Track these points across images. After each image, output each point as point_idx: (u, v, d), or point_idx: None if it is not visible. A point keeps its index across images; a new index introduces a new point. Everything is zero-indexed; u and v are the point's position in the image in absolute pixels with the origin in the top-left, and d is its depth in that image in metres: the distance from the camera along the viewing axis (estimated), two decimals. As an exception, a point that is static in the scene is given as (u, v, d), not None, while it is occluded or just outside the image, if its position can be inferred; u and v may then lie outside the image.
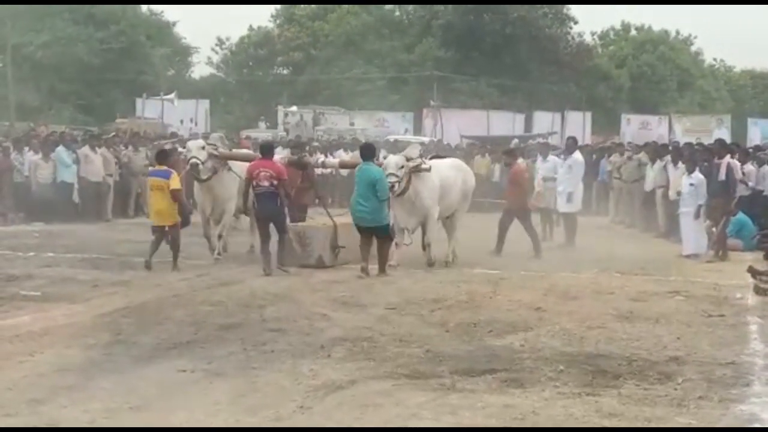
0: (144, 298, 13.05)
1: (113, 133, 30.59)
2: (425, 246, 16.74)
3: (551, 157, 22.15)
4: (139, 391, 8.58)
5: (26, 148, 25.11)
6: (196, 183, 17.57)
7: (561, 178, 20.61)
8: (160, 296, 13.35)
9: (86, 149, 25.51)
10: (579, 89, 59.91)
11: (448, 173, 17.30)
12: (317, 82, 60.51)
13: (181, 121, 45.15)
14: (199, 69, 71.38)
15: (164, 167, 16.46)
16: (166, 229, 16.27)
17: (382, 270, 15.53)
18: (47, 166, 24.39)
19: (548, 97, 55.39)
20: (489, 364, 9.53)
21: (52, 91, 55.21)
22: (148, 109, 47.69)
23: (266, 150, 16.87)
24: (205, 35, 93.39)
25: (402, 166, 16.08)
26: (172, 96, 47.89)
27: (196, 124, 46.75)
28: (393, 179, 15.82)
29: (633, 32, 74.98)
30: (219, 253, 17.24)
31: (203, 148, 17.15)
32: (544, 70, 59.51)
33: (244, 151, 19.55)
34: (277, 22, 70.24)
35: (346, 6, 66.89)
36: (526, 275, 15.55)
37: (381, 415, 8.00)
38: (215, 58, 70.09)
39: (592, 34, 73.27)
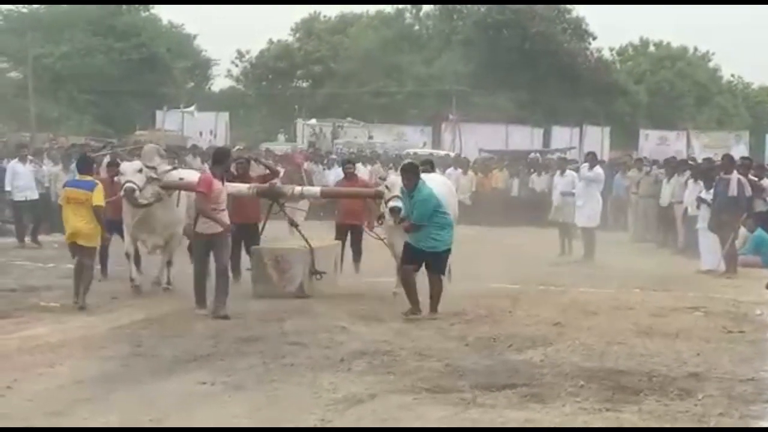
0: (163, 311, 13.07)
1: (132, 146, 30.66)
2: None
3: (569, 172, 22.17)
4: (159, 404, 8.58)
5: (46, 159, 25.18)
6: (128, 206, 14.83)
7: (580, 193, 20.59)
8: (179, 309, 13.37)
9: (106, 161, 25.50)
10: (597, 104, 59.81)
11: (443, 191, 14.89)
12: (336, 95, 60.61)
13: (201, 133, 45.29)
14: (219, 81, 71.64)
15: (88, 177, 13.97)
16: (84, 248, 13.66)
17: (435, 308, 13.31)
18: (66, 178, 24.41)
19: (567, 112, 55.31)
20: (509, 378, 9.52)
21: (72, 103, 55.42)
22: (168, 121, 47.86)
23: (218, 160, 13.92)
24: (225, 48, 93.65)
25: None
26: (192, 108, 48.06)
27: (215, 136, 46.89)
28: (398, 203, 13.60)
29: (651, 48, 74.87)
30: (169, 283, 15.18)
31: (140, 171, 14.56)
32: (563, 85, 59.43)
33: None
34: (297, 35, 70.40)
35: (365, 20, 67.04)
36: (545, 290, 15.52)
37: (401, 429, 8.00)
38: (235, 71, 70.36)
39: (611, 49, 73.19)
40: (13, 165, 22.19)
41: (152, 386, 9.22)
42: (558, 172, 23.07)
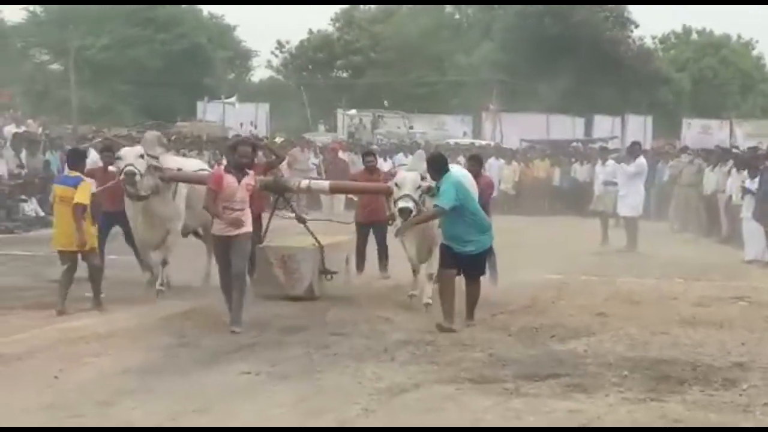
0: (206, 302, 13.12)
1: (174, 136, 30.81)
2: (429, 278, 13.01)
3: (610, 162, 22.08)
4: (203, 394, 8.65)
5: (91, 150, 25.32)
6: (127, 199, 13.73)
7: (623, 182, 20.49)
8: (222, 300, 13.41)
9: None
10: (640, 93, 59.42)
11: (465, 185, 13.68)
12: (377, 85, 60.61)
13: (241, 124, 45.38)
14: (259, 72, 71.85)
15: (75, 173, 12.63)
16: (80, 255, 12.50)
17: (471, 316, 12.05)
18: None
19: (608, 101, 54.99)
20: (552, 368, 9.51)
21: (114, 94, 55.78)
22: (209, 112, 48.08)
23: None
24: (265, 38, 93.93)
25: (419, 186, 12.42)
26: (233, 99, 48.24)
27: (256, 127, 47.00)
28: (409, 204, 12.17)
29: (694, 36, 74.25)
30: (162, 284, 13.70)
31: (141, 156, 13.41)
32: (605, 73, 59.08)
33: (197, 171, 14.62)
34: (337, 25, 70.43)
35: (406, 9, 66.92)
36: (588, 280, 15.46)
37: (445, 419, 8.02)
38: (275, 62, 70.53)
39: (653, 37, 72.69)
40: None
41: (196, 376, 9.29)
42: (599, 162, 22.98)
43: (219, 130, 41.64)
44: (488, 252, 12.37)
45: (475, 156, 15.89)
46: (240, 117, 47.53)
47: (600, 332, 11.32)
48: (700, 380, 9.19)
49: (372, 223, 15.43)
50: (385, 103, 52.21)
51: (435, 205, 11.87)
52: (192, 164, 15.22)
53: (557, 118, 50.55)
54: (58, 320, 11.78)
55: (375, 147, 35.21)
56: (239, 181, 11.56)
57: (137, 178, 13.18)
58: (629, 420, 7.95)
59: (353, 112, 51.13)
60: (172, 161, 14.34)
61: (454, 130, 49.72)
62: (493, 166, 31.71)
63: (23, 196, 22.75)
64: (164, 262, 13.89)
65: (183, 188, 13.96)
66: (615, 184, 20.98)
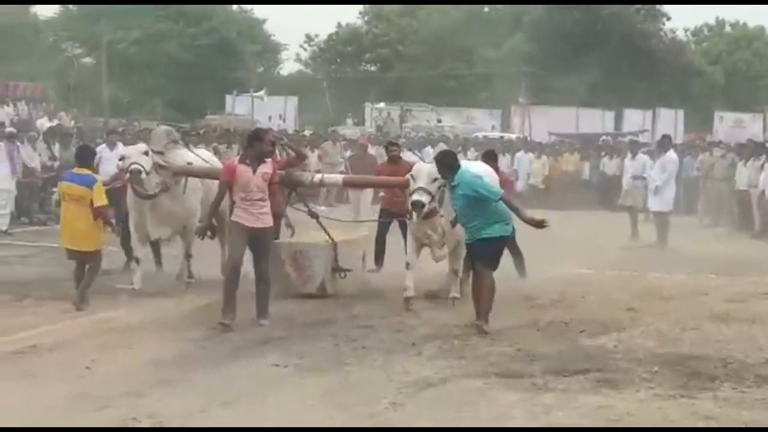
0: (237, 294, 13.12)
1: (203, 129, 30.86)
2: (454, 273, 13.02)
3: (640, 156, 21.98)
4: (232, 386, 8.68)
5: (119, 143, 25.39)
6: (133, 196, 13.45)
7: (654, 177, 20.38)
8: (251, 292, 13.42)
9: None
10: (671, 86, 59.08)
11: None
12: (405, 78, 60.54)
13: (270, 118, 45.49)
14: (288, 65, 71.93)
15: (86, 171, 12.24)
16: (87, 252, 12.10)
17: (484, 316, 11.19)
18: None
19: (639, 94, 54.71)
20: (582, 364, 9.46)
21: (144, 88, 56.04)
22: (239, 105, 48.20)
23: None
24: (294, 32, 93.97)
25: (435, 179, 11.86)
26: (261, 93, 48.34)
27: (284, 120, 47.11)
28: (423, 197, 11.72)
29: (727, 28, 73.72)
30: (191, 276, 13.91)
31: (146, 153, 13.20)
32: (636, 66, 58.78)
33: (205, 163, 14.27)
34: (366, 18, 70.38)
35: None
36: (617, 275, 15.38)
37: (473, 413, 8.00)
38: (304, 55, 70.57)
39: (685, 30, 72.26)
40: (101, 150, 22.40)
41: (225, 368, 9.33)
42: (629, 156, 22.87)
43: (248, 124, 41.66)
44: (505, 244, 11.74)
45: (490, 152, 15.31)
46: (269, 110, 47.66)
47: (630, 328, 11.25)
48: (731, 377, 9.12)
49: (396, 215, 14.42)
50: (424, 105, 52.05)
51: (498, 200, 11.08)
52: (202, 156, 14.87)
53: (587, 112, 50.40)
54: (88, 311, 11.83)
55: (403, 140, 35.26)
56: (254, 171, 11.29)
57: (143, 176, 12.99)
58: (660, 416, 7.90)
59: (381, 105, 51.12)
60: (181, 156, 13.92)
61: (482, 123, 49.64)
62: (522, 160, 31.74)
63: (55, 189, 22.81)
64: (189, 256, 13.94)
65: (196, 183, 13.74)
66: (644, 178, 20.88)
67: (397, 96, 54.66)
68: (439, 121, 48.36)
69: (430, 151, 31.60)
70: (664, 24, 65.33)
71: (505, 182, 14.12)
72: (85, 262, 12.12)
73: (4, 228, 20.37)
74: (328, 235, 13.45)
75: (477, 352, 10.05)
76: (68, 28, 59.51)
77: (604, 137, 39.66)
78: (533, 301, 12.79)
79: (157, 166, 13.22)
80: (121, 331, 10.87)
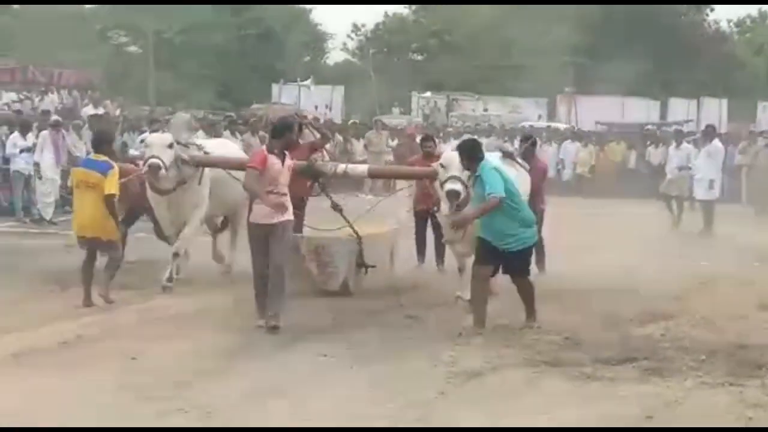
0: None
1: (254, 118, 30.89)
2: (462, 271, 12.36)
3: (684, 145, 21.88)
4: (280, 376, 8.74)
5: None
6: (150, 191, 12.78)
7: (700, 166, 20.27)
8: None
9: (227, 134, 25.83)
10: (715, 76, 58.54)
11: (511, 173, 11.65)
12: (451, 68, 60.38)
13: (316, 107, 45.52)
14: (335, 55, 71.93)
15: (103, 157, 11.63)
16: (104, 242, 11.58)
17: (532, 315, 10.94)
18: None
19: (684, 84, 54.26)
20: (630, 352, 9.44)
21: (190, 77, 56.24)
22: (285, 94, 48.25)
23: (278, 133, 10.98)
24: (341, 21, 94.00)
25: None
26: (308, 82, 48.37)
27: (331, 109, 47.14)
28: (457, 186, 11.00)
29: (771, 19, 72.93)
30: (170, 279, 12.56)
31: (171, 146, 12.35)
32: (681, 56, 58.28)
33: (234, 154, 13.82)
34: (413, 8, 70.22)
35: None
36: (664, 264, 15.29)
37: (521, 402, 8.03)
38: (350, 45, 70.57)
39: (728, 21, 71.53)
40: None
41: (274, 358, 9.38)
42: (673, 145, 22.76)
43: (294, 113, 41.81)
44: (533, 248, 11.11)
45: (529, 136, 14.77)
46: (315, 100, 47.68)
47: (677, 316, 11.21)
48: (779, 365, 9.08)
49: (429, 213, 13.73)
50: (470, 94, 51.81)
51: (489, 194, 10.33)
52: (219, 145, 14.22)
53: (633, 101, 50.02)
54: (135, 301, 11.92)
55: (449, 129, 35.26)
56: (283, 163, 10.70)
57: (162, 172, 12.18)
58: (707, 404, 7.90)
59: (428, 94, 51.03)
60: (197, 145, 13.23)
61: (528, 112, 49.42)
62: (568, 149, 31.64)
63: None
64: (175, 254, 12.70)
65: (207, 172, 12.93)
66: (689, 168, 20.78)
67: (444, 85, 54.54)
68: (485, 110, 48.22)
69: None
70: (708, 15, 64.79)
71: (541, 171, 13.93)
72: (100, 250, 11.66)
73: (48, 217, 20.47)
74: (352, 228, 12.63)
75: (524, 341, 10.05)
76: (114, 16, 59.80)
77: (648, 126, 39.38)
78: (579, 290, 12.73)
79: (179, 160, 12.44)
80: (167, 321, 10.93)
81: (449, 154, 11.47)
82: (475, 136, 31.28)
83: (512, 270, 10.81)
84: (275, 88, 49.56)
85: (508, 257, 10.62)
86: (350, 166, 13.91)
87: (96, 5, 60.07)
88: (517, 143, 30.92)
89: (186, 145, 12.65)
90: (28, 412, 7.59)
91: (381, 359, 9.31)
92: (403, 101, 53.13)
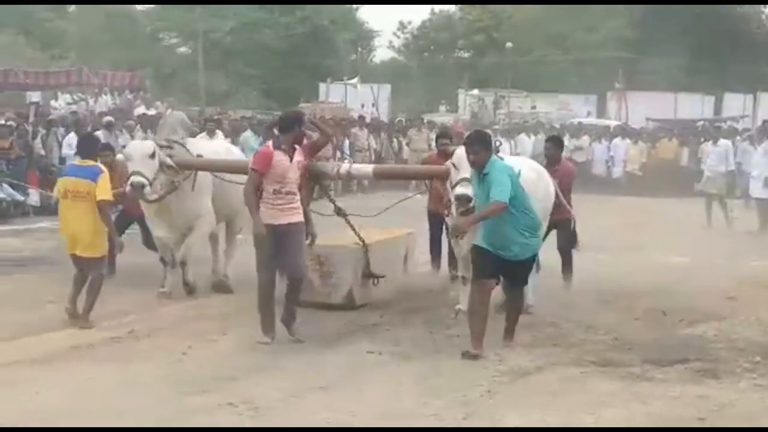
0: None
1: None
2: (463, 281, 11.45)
3: (722, 141, 21.68)
4: (327, 372, 8.73)
5: (217, 132, 25.55)
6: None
7: (757, 163, 20.01)
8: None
9: (219, 134, 25.80)
10: (769, 71, 57.83)
11: (530, 178, 10.85)
12: (499, 64, 60.21)
13: (362, 105, 45.54)
14: (381, 53, 72.00)
15: (90, 162, 10.64)
16: (90, 260, 10.52)
17: (511, 334, 9.88)
18: (238, 151, 24.73)
19: (739, 79, 53.63)
20: (680, 353, 9.29)
21: (239, 77, 56.53)
22: (332, 93, 48.33)
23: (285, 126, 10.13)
24: (388, 19, 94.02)
25: None
26: (355, 80, 48.41)
27: (377, 108, 47.17)
28: (468, 190, 9.97)
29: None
30: (164, 287, 11.95)
31: (152, 156, 11.35)
32: (736, 50, 57.65)
33: (229, 155, 13.08)
34: (459, 5, 70.14)
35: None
36: (717, 263, 15.08)
37: (568, 401, 7.94)
38: (397, 42, 70.59)
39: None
40: (200, 138, 22.64)
41: (320, 354, 9.37)
42: (710, 142, 22.47)
43: (341, 111, 41.85)
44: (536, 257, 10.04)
45: (555, 137, 13.63)
46: (362, 98, 47.71)
47: (730, 316, 11.02)
48: (836, 366, 8.90)
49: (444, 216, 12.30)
50: (518, 91, 51.60)
51: (493, 199, 9.25)
52: (215, 147, 13.30)
53: (685, 97, 49.54)
54: (184, 299, 11.95)
55: (496, 127, 35.11)
56: (291, 159, 9.92)
57: (147, 190, 11.25)
58: (761, 406, 7.77)
59: (475, 92, 50.91)
60: (193, 146, 12.30)
61: (577, 109, 49.13)
62: (619, 147, 31.34)
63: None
64: (182, 263, 11.95)
65: (207, 178, 12.03)
66: (740, 164, 20.52)
67: (491, 82, 54.38)
68: (534, 107, 48.02)
69: (524, 139, 31.46)
70: (764, 7, 64.06)
71: (568, 174, 12.53)
72: (85, 268, 10.58)
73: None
74: (358, 235, 11.73)
75: (572, 340, 9.96)
76: (165, 18, 60.29)
77: (701, 122, 38.93)
78: (629, 290, 12.55)
79: (164, 166, 11.47)
80: (215, 317, 10.97)
81: (461, 152, 10.07)
82: (522, 133, 31.68)
83: (514, 280, 9.80)
84: (322, 86, 49.66)
85: (512, 266, 9.55)
86: (355, 166, 12.72)
87: (147, 5, 60.62)
88: (566, 141, 30.84)
89: (170, 146, 11.71)
90: (79, 405, 7.70)
91: (427, 357, 9.27)
92: (450, 99, 53.06)
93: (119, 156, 12.24)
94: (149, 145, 11.54)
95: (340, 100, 46.64)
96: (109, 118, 23.47)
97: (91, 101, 30.29)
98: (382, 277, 11.75)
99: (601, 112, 49.60)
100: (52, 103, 31.42)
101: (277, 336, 9.91)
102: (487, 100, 49.20)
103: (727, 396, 7.98)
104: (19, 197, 20.34)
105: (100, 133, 20.96)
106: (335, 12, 63.38)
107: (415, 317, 11.06)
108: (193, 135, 13.47)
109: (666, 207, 20.61)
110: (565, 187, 12.12)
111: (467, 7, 68.18)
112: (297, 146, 10.04)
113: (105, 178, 10.45)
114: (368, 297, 11.70)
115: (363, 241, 11.71)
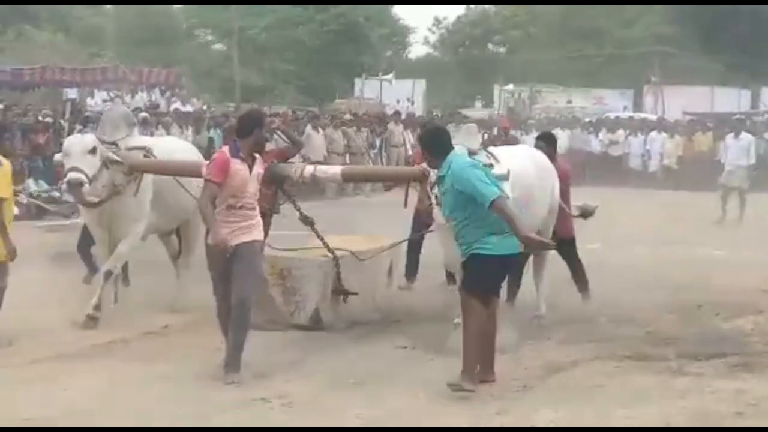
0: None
1: (346, 114, 30.87)
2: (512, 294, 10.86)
3: (744, 135, 21.54)
4: (360, 367, 8.73)
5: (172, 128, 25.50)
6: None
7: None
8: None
9: (309, 129, 25.98)
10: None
11: (529, 174, 10.23)
12: (534, 59, 60.00)
13: (398, 101, 45.53)
14: (416, 49, 71.90)
15: None
16: None
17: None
18: (271, 145, 24.83)
19: (775, 73, 53.18)
20: (717, 347, 9.22)
21: (275, 73, 56.66)
22: (367, 89, 48.35)
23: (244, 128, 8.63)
24: (423, 15, 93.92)
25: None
26: (390, 76, 48.41)
27: (413, 103, 47.11)
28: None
29: None
30: (97, 307, 10.22)
31: (93, 151, 10.04)
32: (772, 43, 57.15)
33: (185, 156, 11.23)
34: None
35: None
36: (753, 257, 14.93)
37: (604, 396, 7.88)
38: (432, 38, 70.47)
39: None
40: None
41: (353, 350, 9.38)
42: (731, 135, 22.28)
43: (376, 107, 41.87)
44: (509, 265, 8.47)
45: (547, 135, 12.50)
46: (397, 94, 47.70)
47: (767, 310, 10.90)
48: None
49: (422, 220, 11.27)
50: (553, 86, 51.38)
51: (493, 199, 7.88)
52: (168, 145, 11.68)
53: (722, 91, 49.21)
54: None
55: (532, 121, 35.00)
56: (251, 170, 8.50)
57: (86, 188, 9.95)
58: (800, 401, 7.66)
59: (510, 87, 50.76)
60: (139, 143, 10.89)
61: (613, 104, 48.92)
62: (655, 140, 31.20)
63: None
64: (107, 274, 10.47)
65: (147, 180, 10.57)
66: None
67: (526, 77, 54.21)
68: (569, 102, 47.84)
69: (560, 134, 31.32)
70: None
71: (564, 175, 11.27)
72: None
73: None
74: (327, 247, 10.34)
75: (607, 335, 9.88)
76: (200, 15, 60.53)
77: (737, 116, 38.64)
78: (664, 283, 12.41)
79: (108, 162, 10.15)
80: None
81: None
82: (558, 128, 31.52)
83: (464, 282, 8.33)
84: (357, 82, 49.71)
85: (465, 264, 8.29)
86: (320, 168, 10.89)
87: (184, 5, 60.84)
88: (602, 135, 30.78)
89: (115, 143, 10.38)
90: (110, 401, 7.75)
91: (460, 352, 9.19)
92: (485, 94, 52.93)
93: (57, 156, 10.98)
94: (89, 140, 10.19)
95: (375, 96, 46.65)
96: (144, 114, 23.55)
97: (127, 98, 30.44)
98: (355, 294, 10.31)
99: (638, 107, 49.39)
100: (88, 100, 31.59)
101: (309, 332, 9.93)
102: (523, 95, 49.04)
103: (764, 390, 7.88)
104: (56, 193, 20.42)
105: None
106: (370, 8, 63.35)
107: (447, 313, 10.92)
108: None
109: (701, 200, 20.41)
110: (563, 188, 11.10)
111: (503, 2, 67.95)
112: (257, 155, 8.63)
113: (5, 172, 9.27)
114: (339, 317, 10.35)
115: (333, 253, 10.30)
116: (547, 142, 11.55)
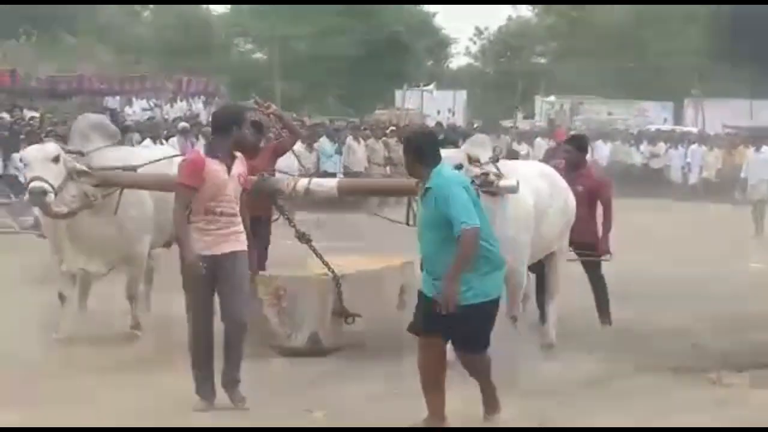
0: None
1: (393, 126, 30.77)
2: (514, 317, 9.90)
3: (765, 148, 21.41)
4: (401, 377, 8.66)
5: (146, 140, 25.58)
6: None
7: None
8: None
9: (350, 140, 26.02)
10: None
11: (541, 188, 9.67)
12: (576, 71, 59.88)
13: (438, 112, 45.64)
14: (458, 59, 71.96)
15: None
16: None
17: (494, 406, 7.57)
18: (310, 156, 24.97)
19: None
20: (758, 359, 9.21)
21: (315, 83, 56.84)
22: (408, 99, 48.46)
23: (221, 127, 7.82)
24: (465, 25, 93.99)
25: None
26: (431, 86, 48.50)
27: (453, 114, 47.18)
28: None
29: None
30: (135, 326, 10.23)
31: (56, 159, 9.24)
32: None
33: (167, 169, 9.63)
34: (536, 10, 69.84)
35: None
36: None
37: (643, 408, 7.90)
38: (473, 49, 70.48)
39: None
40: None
41: (393, 360, 9.28)
42: (753, 149, 22.25)
43: (417, 118, 41.97)
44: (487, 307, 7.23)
45: (578, 137, 11.76)
46: (438, 104, 47.79)
47: (806, 323, 10.89)
48: None
49: None
50: (594, 97, 51.27)
51: (462, 225, 6.80)
52: (146, 156, 10.42)
53: (762, 104, 48.97)
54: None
55: (573, 132, 34.90)
56: (229, 170, 7.74)
57: (48, 198, 9.08)
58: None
59: (552, 98, 50.71)
60: (114, 156, 9.90)
61: (654, 116, 48.78)
62: (696, 153, 31.15)
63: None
64: (132, 298, 10.26)
65: (143, 197, 9.85)
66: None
67: (567, 89, 54.13)
68: (610, 113, 47.76)
69: (601, 146, 31.34)
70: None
71: (600, 187, 10.69)
72: None
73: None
74: (326, 265, 9.62)
75: (647, 347, 9.86)
76: (239, 23, 60.87)
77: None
78: (704, 296, 12.38)
79: (74, 173, 9.34)
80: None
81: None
82: (600, 140, 31.43)
83: (456, 338, 7.30)
84: (398, 93, 49.83)
85: (452, 316, 6.99)
86: (315, 180, 10.07)
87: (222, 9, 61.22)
88: (643, 147, 30.64)
89: (81, 153, 9.59)
90: (159, 410, 7.75)
91: (501, 363, 9.16)
92: (526, 105, 52.91)
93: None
94: (51, 148, 9.46)
95: (416, 107, 46.76)
96: (184, 123, 23.74)
97: (166, 107, 30.68)
98: (358, 316, 9.54)
99: (678, 119, 49.23)
100: (126, 109, 31.81)
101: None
102: (564, 106, 48.99)
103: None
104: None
105: (175, 140, 21.23)
106: (412, 19, 63.50)
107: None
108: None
109: (742, 213, 20.33)
110: (605, 199, 10.48)
111: (543, 13, 67.89)
112: (238, 154, 7.86)
113: None
114: (340, 340, 9.65)
115: (333, 272, 9.56)
116: (577, 147, 10.81)
